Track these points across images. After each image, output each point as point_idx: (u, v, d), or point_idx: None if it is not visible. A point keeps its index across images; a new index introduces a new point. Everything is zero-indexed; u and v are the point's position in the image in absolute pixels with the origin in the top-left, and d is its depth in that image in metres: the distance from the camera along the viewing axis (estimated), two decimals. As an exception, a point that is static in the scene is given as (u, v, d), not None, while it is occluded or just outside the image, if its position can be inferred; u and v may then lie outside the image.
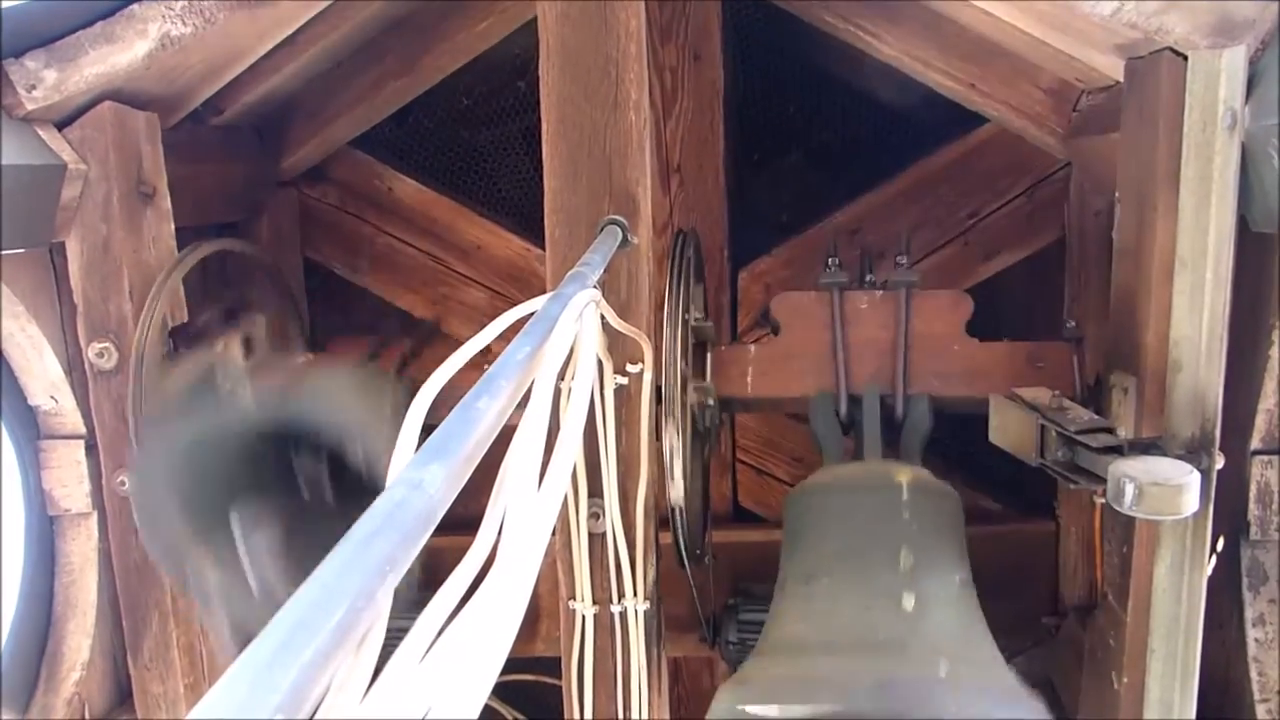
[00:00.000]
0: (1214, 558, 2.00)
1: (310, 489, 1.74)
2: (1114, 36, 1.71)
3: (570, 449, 0.76)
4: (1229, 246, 1.58)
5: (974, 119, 2.66)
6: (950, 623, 1.69)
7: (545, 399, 0.71)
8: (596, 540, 1.79)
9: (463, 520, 0.77)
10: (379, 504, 0.47)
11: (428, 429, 0.62)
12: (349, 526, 0.44)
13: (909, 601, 1.69)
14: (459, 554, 0.62)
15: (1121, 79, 1.85)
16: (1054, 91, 2.48)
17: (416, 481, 0.49)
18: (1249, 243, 1.65)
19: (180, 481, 1.63)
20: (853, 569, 1.75)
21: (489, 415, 0.61)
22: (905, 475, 1.84)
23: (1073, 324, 2.02)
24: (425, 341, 2.27)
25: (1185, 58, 1.58)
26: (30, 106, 1.85)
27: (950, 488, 1.92)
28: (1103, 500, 1.59)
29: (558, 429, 0.77)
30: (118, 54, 1.86)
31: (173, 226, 2.11)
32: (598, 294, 1.06)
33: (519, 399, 0.71)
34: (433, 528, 0.49)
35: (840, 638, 1.65)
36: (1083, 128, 2.43)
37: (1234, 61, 1.51)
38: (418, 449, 0.57)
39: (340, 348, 2.30)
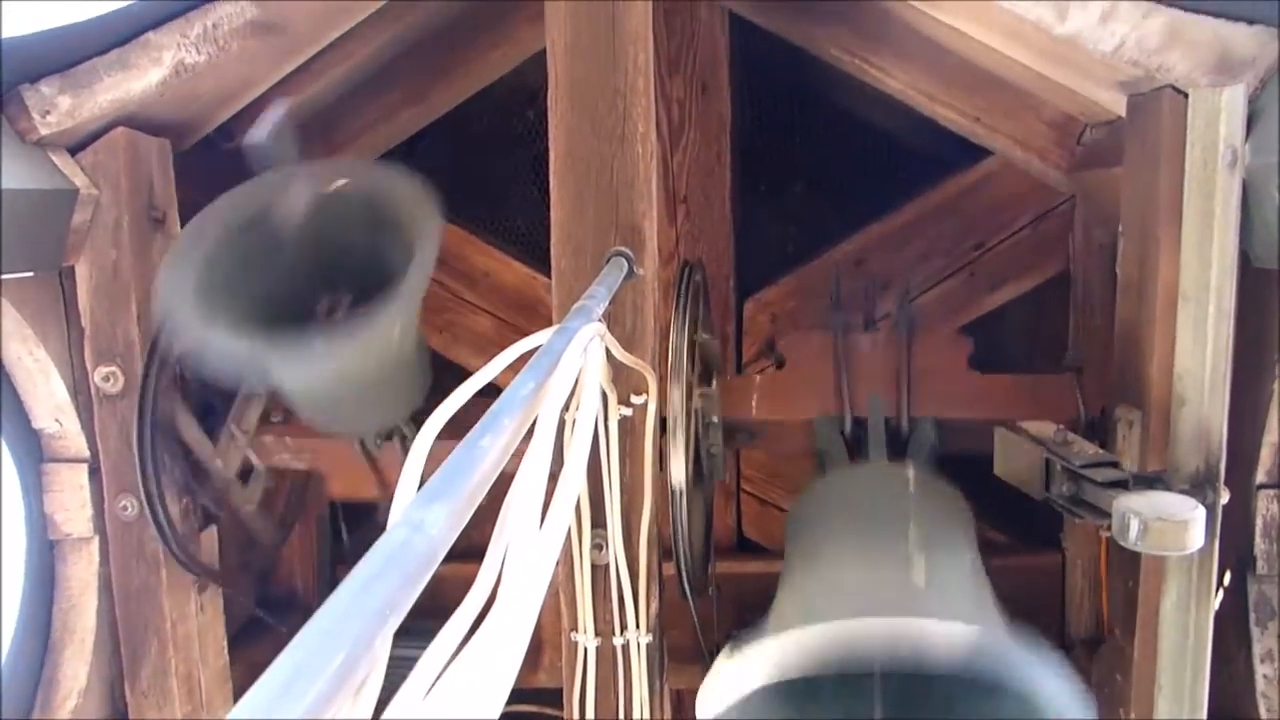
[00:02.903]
0: (1220, 592, 1.99)
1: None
2: (1116, 73, 1.72)
3: (574, 482, 0.76)
4: (1231, 281, 1.59)
5: (979, 150, 2.68)
6: (959, 593, 1.66)
7: (549, 436, 0.71)
8: (599, 572, 1.79)
9: (464, 550, 0.77)
10: (380, 546, 0.47)
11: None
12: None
13: (918, 575, 1.66)
14: (460, 582, 0.62)
15: (1124, 114, 1.86)
16: (1057, 125, 2.49)
17: (418, 522, 0.49)
18: (1251, 278, 1.65)
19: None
20: (859, 544, 1.72)
21: (492, 453, 0.61)
22: (910, 471, 1.84)
23: (1074, 355, 2.02)
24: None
25: (1186, 95, 1.59)
26: (44, 131, 1.87)
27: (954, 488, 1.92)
28: (1108, 534, 1.59)
29: (561, 459, 0.77)
30: (132, 81, 1.88)
31: (182, 252, 2.13)
32: (602, 327, 1.06)
33: (523, 435, 0.71)
34: (434, 569, 0.49)
35: (844, 606, 1.60)
36: (1086, 161, 2.45)
37: (1234, 99, 1.52)
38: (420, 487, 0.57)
39: None
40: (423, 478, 0.67)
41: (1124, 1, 1.60)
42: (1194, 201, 1.56)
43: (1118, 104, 1.89)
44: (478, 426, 0.65)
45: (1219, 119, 1.53)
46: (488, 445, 0.62)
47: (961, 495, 1.90)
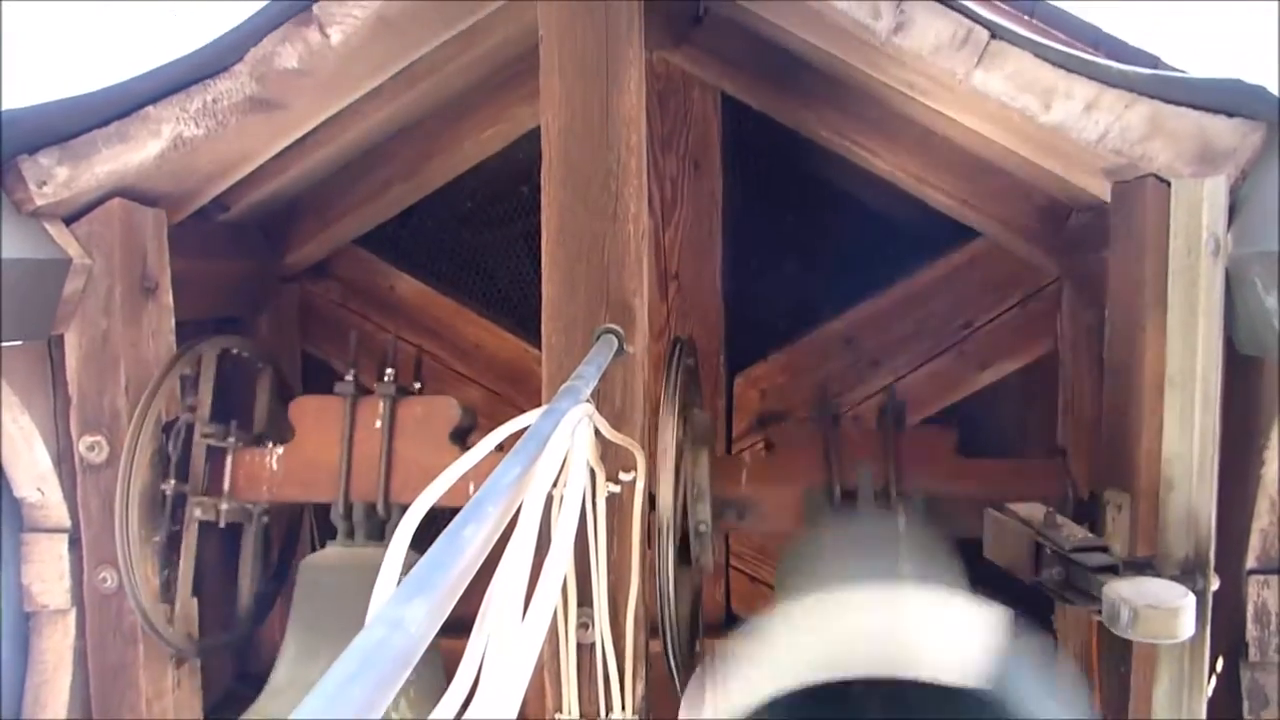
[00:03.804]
0: (1213, 680, 1.96)
1: None
2: (1100, 161, 1.76)
3: (560, 562, 0.75)
4: (1217, 367, 1.60)
5: (968, 229, 2.71)
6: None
7: (533, 524, 0.70)
8: (585, 651, 1.76)
9: (451, 623, 0.75)
10: (357, 645, 0.47)
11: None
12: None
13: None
14: (445, 656, 0.60)
15: (1109, 200, 1.89)
16: (1045, 209, 2.54)
17: (397, 620, 0.49)
18: (1237, 364, 1.66)
19: None
20: (848, 576, 1.72)
21: (475, 543, 0.61)
22: (900, 514, 1.83)
23: (1064, 440, 2.03)
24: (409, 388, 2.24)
25: (1169, 183, 1.62)
26: (40, 202, 1.88)
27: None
28: (1099, 619, 1.57)
29: (548, 537, 0.76)
30: (130, 153, 1.90)
31: (173, 321, 2.13)
32: (590, 408, 1.06)
33: (506, 522, 0.70)
34: (412, 666, 0.48)
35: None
36: (1073, 244, 2.48)
37: (1215, 190, 1.55)
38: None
39: (306, 406, 2.24)
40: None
41: (1107, 92, 1.64)
42: (1178, 289, 1.58)
43: (1103, 189, 1.92)
44: (460, 515, 0.64)
45: (1201, 208, 1.55)
46: (470, 535, 0.61)
47: (951, 543, 1.89)
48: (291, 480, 2.17)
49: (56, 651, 2.00)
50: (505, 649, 0.57)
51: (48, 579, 1.99)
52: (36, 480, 1.99)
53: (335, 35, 1.79)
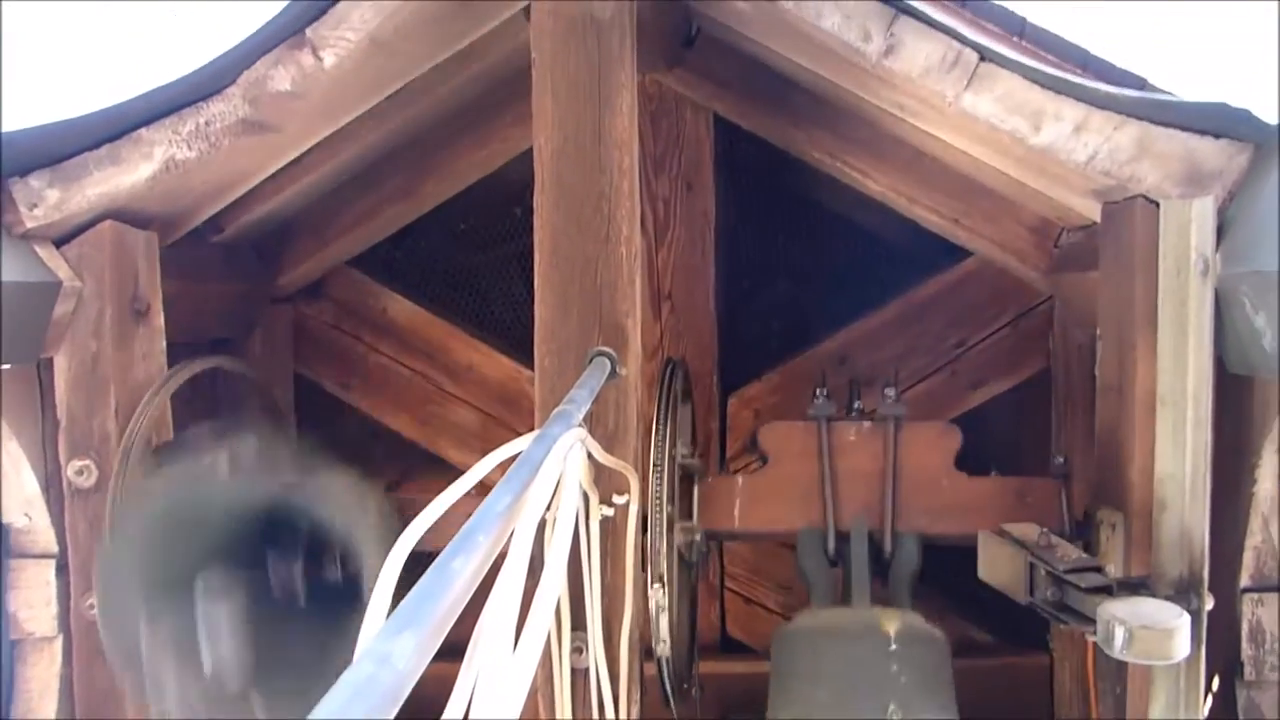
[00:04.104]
0: (1209, 699, 1.95)
1: (280, 585, 1.81)
2: (1089, 182, 1.76)
3: (553, 588, 0.75)
4: (1208, 386, 1.60)
5: (960, 249, 2.73)
6: None
7: (524, 554, 0.70)
8: (579, 676, 1.74)
9: (443, 647, 0.74)
10: (344, 682, 0.46)
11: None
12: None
13: None
14: (438, 682, 0.59)
15: (1099, 220, 1.90)
16: (1036, 228, 2.55)
17: (385, 655, 0.48)
18: (1228, 383, 1.67)
19: (152, 544, 1.64)
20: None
21: (465, 575, 0.60)
22: (893, 623, 1.83)
23: (1060, 459, 2.02)
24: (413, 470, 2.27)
25: (1158, 204, 1.63)
26: (30, 225, 1.87)
27: (938, 633, 1.91)
28: (1094, 639, 1.57)
29: (541, 561, 0.76)
30: (122, 175, 1.90)
31: (164, 343, 2.11)
32: (583, 432, 1.06)
33: (498, 552, 0.69)
34: (401, 703, 0.47)
35: None
36: (1064, 264, 2.49)
37: (1204, 211, 1.56)
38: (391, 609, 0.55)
39: None
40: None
41: (1096, 114, 1.65)
42: (1168, 309, 1.59)
43: (1093, 210, 1.93)
44: (450, 546, 0.63)
45: (1190, 229, 1.56)
46: (460, 567, 0.60)
47: (941, 640, 1.92)
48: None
49: (42, 680, 1.97)
50: (496, 679, 0.57)
51: (35, 605, 1.97)
52: (24, 505, 1.97)
53: (328, 58, 1.79)
